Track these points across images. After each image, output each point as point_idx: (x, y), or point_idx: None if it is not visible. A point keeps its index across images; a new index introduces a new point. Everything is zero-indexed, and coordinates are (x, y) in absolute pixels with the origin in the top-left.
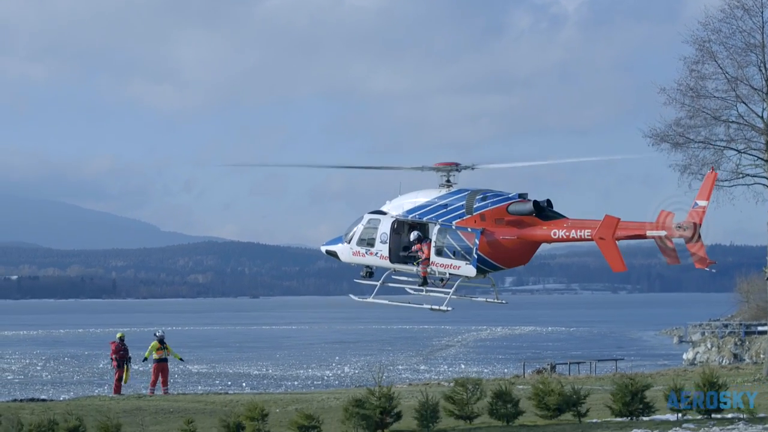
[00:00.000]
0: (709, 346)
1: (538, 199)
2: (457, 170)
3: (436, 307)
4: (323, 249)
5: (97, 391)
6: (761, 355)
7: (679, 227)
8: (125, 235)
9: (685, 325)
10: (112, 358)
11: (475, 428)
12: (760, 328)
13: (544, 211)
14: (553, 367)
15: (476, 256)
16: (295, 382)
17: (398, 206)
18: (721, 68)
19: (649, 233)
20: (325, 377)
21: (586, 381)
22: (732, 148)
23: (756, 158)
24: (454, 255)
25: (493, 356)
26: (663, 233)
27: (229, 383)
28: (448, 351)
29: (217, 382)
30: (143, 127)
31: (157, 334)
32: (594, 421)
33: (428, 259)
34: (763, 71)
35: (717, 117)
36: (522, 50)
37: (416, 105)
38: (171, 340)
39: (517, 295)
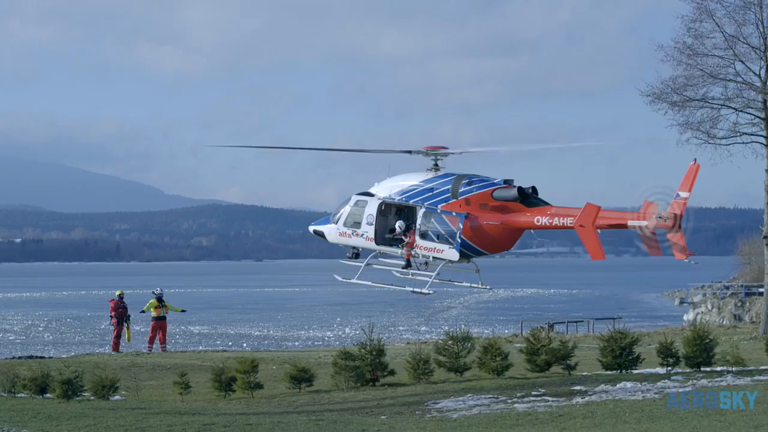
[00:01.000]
0: (709, 307)
1: (523, 186)
2: (444, 154)
3: (418, 290)
4: (311, 229)
5: (98, 350)
6: (761, 316)
7: (659, 218)
8: (129, 199)
9: (686, 287)
10: (111, 316)
11: (466, 380)
12: (760, 290)
13: (528, 198)
14: (551, 326)
15: (459, 241)
16: (296, 343)
17: (386, 188)
18: (718, 26)
19: (630, 223)
20: (326, 338)
21: (583, 339)
22: (729, 107)
23: (753, 117)
24: (438, 239)
25: (494, 317)
26: (644, 224)
27: (230, 343)
28: (450, 312)
29: (218, 342)
30: (149, 91)
31: (156, 292)
32: (584, 374)
33: (412, 242)
34: (761, 29)
35: (714, 75)
36: (529, 13)
37: (422, 68)
38: (173, 302)
39: (521, 258)
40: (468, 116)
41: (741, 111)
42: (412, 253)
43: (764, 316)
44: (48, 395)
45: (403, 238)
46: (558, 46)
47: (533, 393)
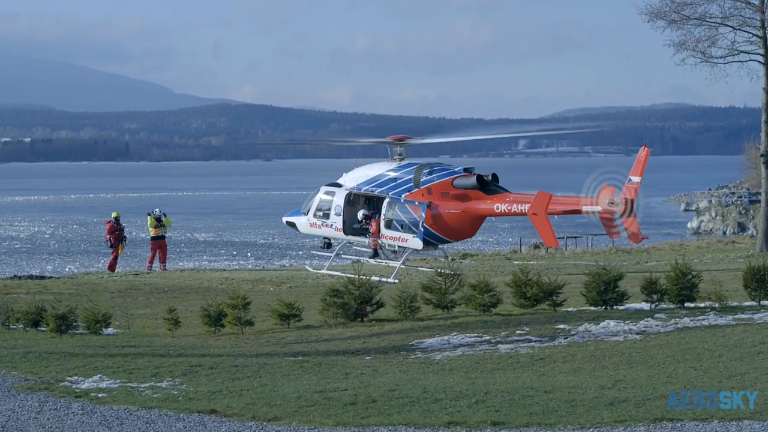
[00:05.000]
0: (713, 214)
1: (483, 174)
2: (408, 144)
3: (384, 280)
4: (284, 220)
5: (102, 261)
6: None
7: (611, 203)
8: (139, 98)
9: (691, 193)
10: (107, 238)
11: (453, 317)
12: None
13: (487, 186)
14: None
15: (422, 229)
16: (300, 252)
17: (353, 179)
18: None
19: (584, 209)
20: None
21: (582, 256)
22: (727, 25)
23: (751, 35)
24: (402, 228)
25: (500, 225)
26: (598, 209)
27: (234, 253)
28: None
29: (223, 251)
30: None
31: (155, 212)
32: (570, 309)
33: (378, 232)
34: None
35: None
36: None
37: None
38: (182, 207)
39: (531, 158)
40: (485, 14)
41: (738, 29)
42: (379, 242)
43: (761, 234)
44: (42, 328)
45: (368, 227)
46: None
47: (518, 332)
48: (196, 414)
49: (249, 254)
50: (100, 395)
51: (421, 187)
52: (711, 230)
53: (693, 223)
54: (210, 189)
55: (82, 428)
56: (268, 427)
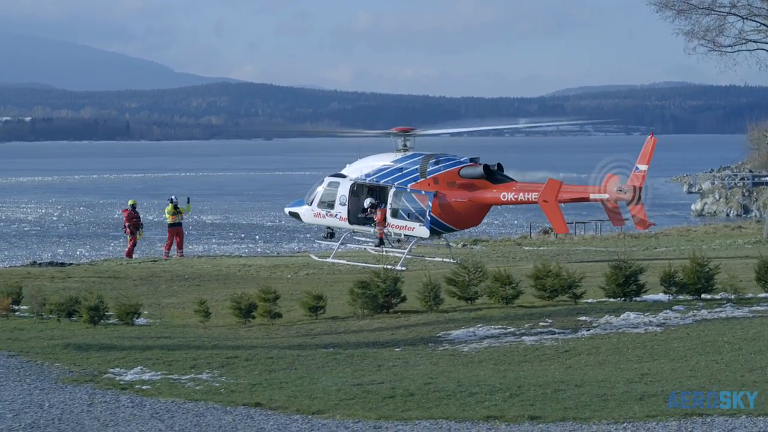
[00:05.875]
0: (717, 197)
1: (489, 163)
2: (413, 135)
3: (391, 267)
4: (287, 210)
5: (112, 244)
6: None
7: (619, 190)
8: (139, 77)
9: (694, 174)
10: (125, 226)
11: (476, 309)
12: (766, 178)
13: (494, 175)
14: None
15: (429, 218)
16: (308, 235)
17: (357, 169)
18: None
19: (592, 196)
20: None
21: (591, 241)
22: (735, 14)
23: (759, 24)
24: (408, 217)
25: (505, 207)
26: (606, 196)
27: (243, 236)
28: None
29: (231, 234)
30: None
31: (172, 199)
32: (590, 301)
33: (384, 221)
34: None
35: None
36: None
37: None
38: (186, 188)
39: (531, 137)
40: None
41: (746, 18)
42: (385, 231)
43: None
44: (74, 318)
45: (373, 216)
46: None
47: (540, 323)
48: (242, 407)
49: (257, 237)
50: (144, 387)
51: (428, 177)
52: (715, 212)
53: (697, 205)
54: (213, 170)
55: (135, 421)
56: (314, 420)
